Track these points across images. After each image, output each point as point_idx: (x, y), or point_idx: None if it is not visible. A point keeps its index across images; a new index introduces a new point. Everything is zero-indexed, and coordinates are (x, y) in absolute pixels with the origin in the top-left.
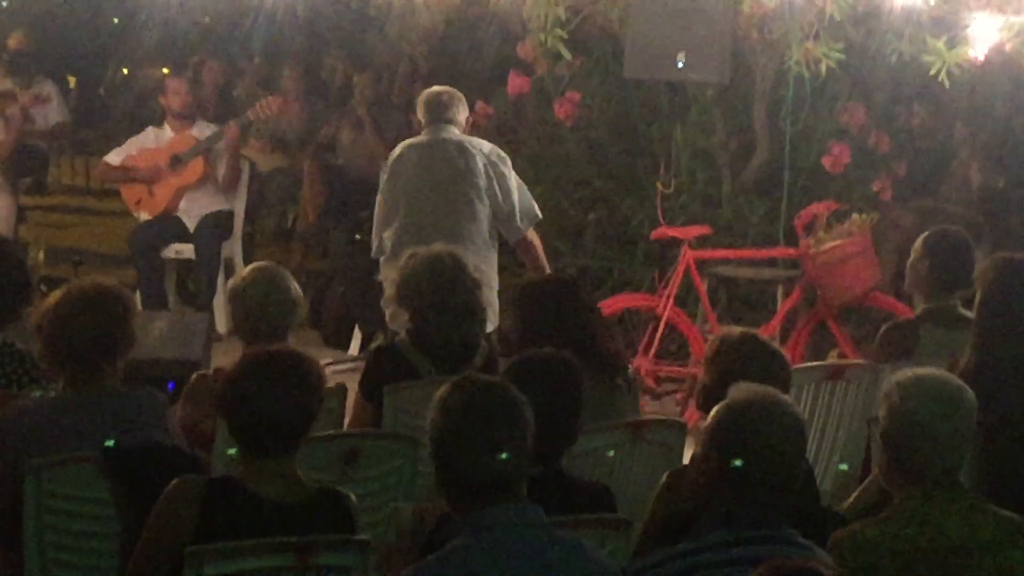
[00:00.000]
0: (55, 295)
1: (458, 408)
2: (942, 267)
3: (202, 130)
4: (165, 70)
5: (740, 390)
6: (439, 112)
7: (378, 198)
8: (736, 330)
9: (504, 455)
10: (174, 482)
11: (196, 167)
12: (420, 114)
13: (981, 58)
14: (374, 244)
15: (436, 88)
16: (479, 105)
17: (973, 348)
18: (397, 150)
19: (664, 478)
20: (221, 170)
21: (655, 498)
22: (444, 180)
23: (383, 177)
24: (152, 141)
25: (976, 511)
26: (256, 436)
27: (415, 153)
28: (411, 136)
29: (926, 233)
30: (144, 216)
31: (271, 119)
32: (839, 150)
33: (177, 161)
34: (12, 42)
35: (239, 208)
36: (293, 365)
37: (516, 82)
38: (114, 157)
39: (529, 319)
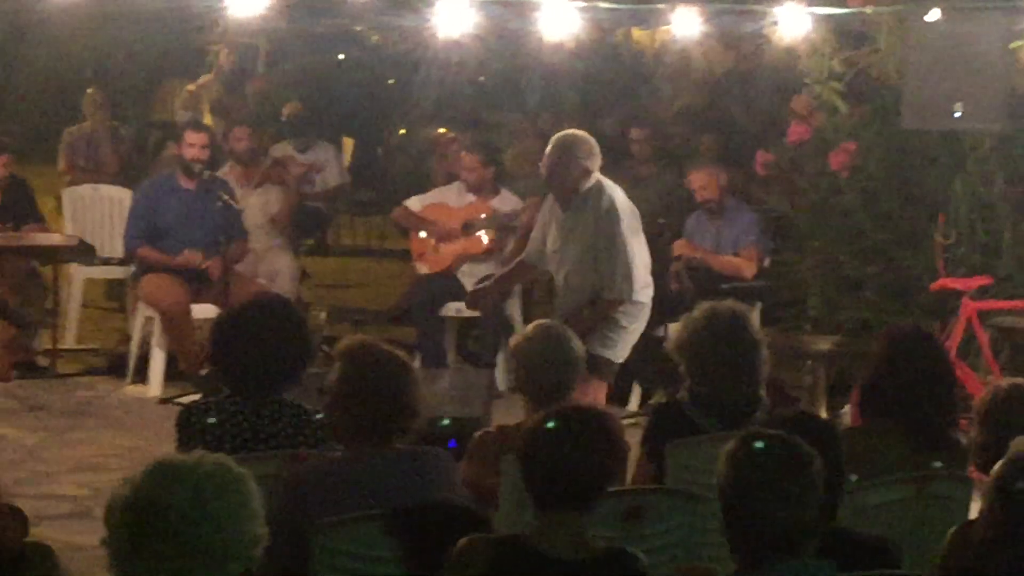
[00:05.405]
0: (351, 360)
1: (749, 462)
2: None
3: (505, 201)
4: (442, 129)
5: (1021, 443)
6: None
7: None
8: (1005, 383)
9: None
10: (463, 541)
11: (486, 238)
12: (596, 159)
13: None
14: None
15: (582, 132)
16: (759, 154)
17: None
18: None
19: (950, 533)
20: (510, 245)
21: (942, 555)
22: None
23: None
24: (454, 198)
25: None
26: (556, 490)
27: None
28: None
29: None
30: (423, 269)
31: None
32: None
33: (470, 228)
34: (286, 111)
35: None
36: (598, 421)
37: (797, 130)
38: (415, 203)
39: (903, 370)
